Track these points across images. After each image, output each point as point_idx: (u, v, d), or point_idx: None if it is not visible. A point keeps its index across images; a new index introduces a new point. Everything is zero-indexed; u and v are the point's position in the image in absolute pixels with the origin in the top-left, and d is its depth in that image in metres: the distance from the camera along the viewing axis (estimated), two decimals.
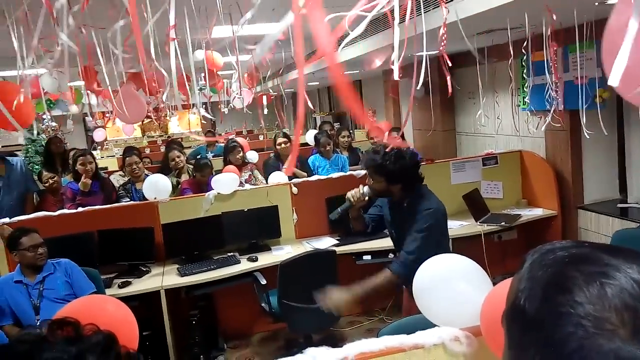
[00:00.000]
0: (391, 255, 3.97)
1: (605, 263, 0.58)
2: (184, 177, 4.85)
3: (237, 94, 5.08)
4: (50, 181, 4.74)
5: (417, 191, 2.61)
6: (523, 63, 4.71)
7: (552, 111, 3.28)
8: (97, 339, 0.62)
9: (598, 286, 0.55)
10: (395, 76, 1.65)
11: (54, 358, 0.57)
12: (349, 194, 2.69)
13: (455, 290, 1.60)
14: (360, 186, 2.69)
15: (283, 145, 5.32)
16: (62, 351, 0.58)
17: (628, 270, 0.56)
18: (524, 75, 4.82)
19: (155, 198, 4.15)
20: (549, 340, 0.56)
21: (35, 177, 5.17)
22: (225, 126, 14.99)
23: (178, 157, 5.00)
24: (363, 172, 4.56)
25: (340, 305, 2.58)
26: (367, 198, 2.66)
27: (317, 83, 12.07)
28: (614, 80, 1.04)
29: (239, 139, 7.06)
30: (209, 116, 4.09)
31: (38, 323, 2.86)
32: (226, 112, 6.68)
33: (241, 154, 5.09)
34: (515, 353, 0.62)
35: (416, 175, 2.61)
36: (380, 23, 4.24)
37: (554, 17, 2.45)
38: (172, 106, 5.54)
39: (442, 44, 2.01)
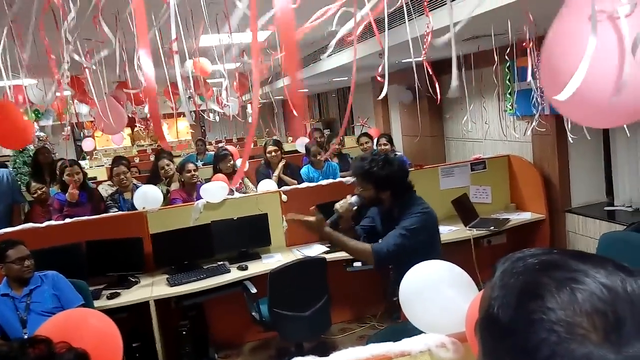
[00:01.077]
0: None
1: (574, 269, 0.58)
2: (174, 186, 4.83)
3: (224, 102, 5.08)
4: (39, 192, 4.71)
5: (407, 199, 2.58)
6: (508, 69, 4.76)
7: (537, 116, 3.32)
8: (68, 358, 0.61)
9: (569, 291, 0.56)
10: (383, 94, 1.67)
11: None
12: (337, 205, 2.65)
13: (441, 296, 1.61)
14: (348, 196, 2.65)
15: (273, 153, 5.31)
16: None
17: (596, 275, 0.57)
18: (509, 80, 4.87)
19: (144, 208, 4.13)
20: (523, 347, 0.56)
21: (24, 188, 5.13)
22: (215, 134, 14.97)
23: (168, 165, 4.97)
24: (352, 179, 4.57)
25: (313, 224, 2.55)
26: (355, 208, 2.60)
27: (307, 90, 12.09)
28: (564, 95, 1.06)
29: (229, 147, 7.06)
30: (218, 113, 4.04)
31: (26, 337, 2.83)
32: (217, 120, 6.67)
33: (232, 162, 5.08)
34: (490, 354, 0.62)
35: (405, 182, 2.59)
36: (367, 31, 4.27)
37: (535, 24, 2.49)
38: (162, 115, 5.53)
39: (424, 51, 2.02)
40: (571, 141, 2.43)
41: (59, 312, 2.83)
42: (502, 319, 0.60)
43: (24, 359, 0.60)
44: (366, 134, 6.05)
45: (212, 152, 9.26)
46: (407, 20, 2.73)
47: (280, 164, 5.22)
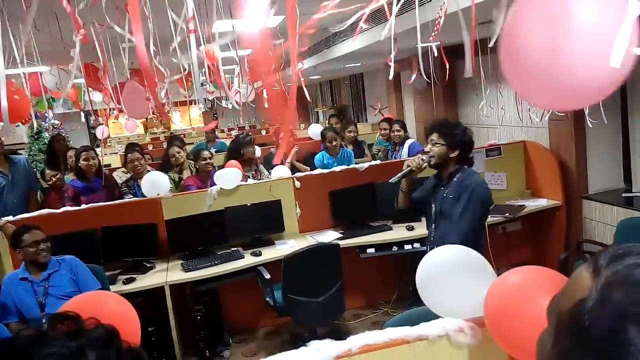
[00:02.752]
0: (408, 247, 4.00)
1: None
2: (186, 174, 4.84)
3: (237, 89, 5.06)
4: (54, 179, 4.76)
5: (466, 168, 2.84)
6: None
7: None
8: (98, 333, 0.61)
9: None
10: (391, 75, 1.65)
11: (53, 353, 0.57)
12: (409, 161, 2.87)
13: (458, 281, 1.59)
14: (419, 154, 2.89)
15: None
16: (62, 346, 0.58)
17: None
18: None
19: (158, 194, 4.15)
20: None
21: (39, 175, 5.18)
22: (227, 122, 15.00)
23: (178, 153, 4.98)
24: (366, 165, 4.56)
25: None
26: (425, 165, 2.83)
27: (319, 77, 12.04)
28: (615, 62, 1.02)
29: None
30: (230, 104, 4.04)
31: (43, 320, 2.87)
32: (230, 107, 6.67)
33: (254, 147, 5.07)
34: (563, 357, 0.58)
35: (469, 153, 2.86)
36: (380, 16, 4.22)
37: None
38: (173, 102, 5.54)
39: (433, 34, 1.99)
40: (590, 126, 2.39)
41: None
42: (592, 335, 0.53)
43: (54, 333, 0.60)
44: (387, 120, 6.02)
45: (222, 140, 9.28)
46: (417, 4, 2.69)
47: (293, 150, 5.20)
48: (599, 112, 3.09)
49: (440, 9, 2.01)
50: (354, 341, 1.42)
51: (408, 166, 2.83)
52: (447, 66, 2.52)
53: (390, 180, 2.92)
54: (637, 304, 0.51)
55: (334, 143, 5.17)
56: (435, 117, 2.97)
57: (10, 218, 3.78)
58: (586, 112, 2.49)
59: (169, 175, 4.82)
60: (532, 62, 1.13)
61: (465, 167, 2.83)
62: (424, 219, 3.26)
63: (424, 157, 2.83)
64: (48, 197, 4.83)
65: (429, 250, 2.83)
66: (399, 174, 2.86)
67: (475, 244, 2.29)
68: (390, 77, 1.72)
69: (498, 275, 1.59)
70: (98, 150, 5.12)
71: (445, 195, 2.82)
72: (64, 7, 1.71)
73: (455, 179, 2.79)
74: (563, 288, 0.64)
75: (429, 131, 2.89)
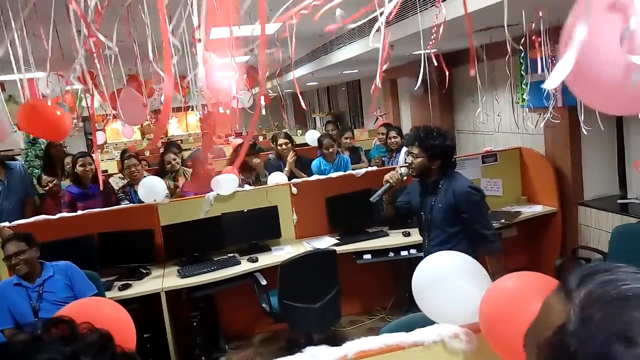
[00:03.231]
0: (404, 253, 4.00)
1: None
2: (181, 180, 4.83)
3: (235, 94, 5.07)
4: (50, 185, 4.75)
5: (451, 173, 2.82)
6: (521, 60, 4.71)
7: (551, 108, 3.28)
8: (92, 338, 0.61)
9: None
10: (378, 83, 1.66)
11: (48, 358, 0.57)
12: (387, 177, 2.86)
13: (454, 287, 1.60)
14: (397, 167, 2.89)
15: (284, 146, 5.31)
16: (56, 351, 0.58)
17: None
18: (522, 72, 4.82)
19: (154, 200, 4.15)
20: None
21: (35, 181, 5.17)
22: (224, 128, 14.97)
23: (174, 159, 4.95)
24: (363, 171, 4.57)
25: None
26: (405, 178, 2.84)
27: (316, 83, 12.07)
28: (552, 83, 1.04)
29: (238, 140, 7.07)
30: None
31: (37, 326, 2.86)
32: (227, 113, 6.68)
33: (258, 157, 5.10)
34: None
35: (452, 158, 2.84)
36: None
37: (549, 13, 2.45)
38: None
39: (430, 42, 2.00)
40: (585, 133, 2.40)
41: (71, 301, 2.88)
42: (577, 358, 0.52)
43: (48, 338, 0.60)
44: (385, 125, 6.05)
45: (219, 146, 9.26)
46: (418, 11, 2.71)
47: (292, 157, 5.20)
48: (594, 119, 3.11)
49: (437, 17, 2.02)
50: (350, 347, 1.42)
51: (387, 182, 2.85)
52: (447, 73, 2.53)
53: (371, 199, 2.92)
54: (619, 321, 0.51)
55: (330, 150, 5.18)
56: (425, 125, 2.96)
57: (7, 224, 3.77)
58: (581, 119, 2.50)
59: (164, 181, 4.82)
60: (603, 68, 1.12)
61: (449, 171, 2.84)
62: None
63: (402, 170, 2.85)
64: (44, 203, 4.82)
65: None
66: (379, 191, 2.87)
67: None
68: (378, 84, 1.73)
69: (493, 281, 1.60)
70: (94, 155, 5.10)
71: (433, 204, 2.82)
72: (79, 16, 1.71)
73: (441, 186, 2.80)
74: (536, 318, 0.63)
75: (409, 142, 2.89)
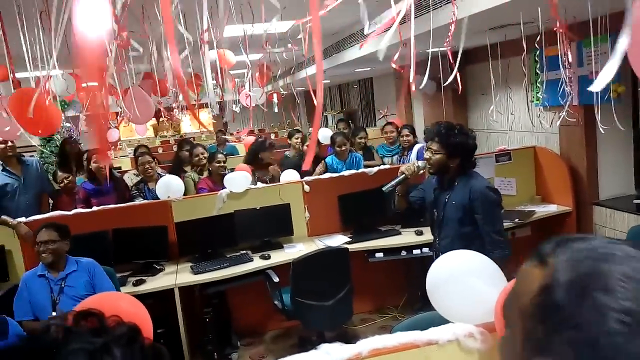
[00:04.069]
0: (417, 251, 3.98)
1: None
2: (206, 174, 4.90)
3: (246, 92, 5.09)
4: (65, 181, 4.80)
5: (469, 172, 2.75)
6: (536, 58, 4.66)
7: (566, 106, 3.25)
8: (121, 331, 0.62)
9: (636, 289, 0.54)
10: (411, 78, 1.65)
11: (80, 349, 0.58)
12: (403, 168, 2.82)
13: (469, 286, 1.59)
14: (415, 161, 2.85)
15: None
16: (88, 342, 0.59)
17: None
18: (537, 70, 4.78)
19: (168, 197, 4.18)
20: (589, 340, 0.54)
21: (50, 177, 5.23)
22: (237, 125, 15.05)
23: (202, 154, 5.10)
24: (375, 169, 4.56)
25: None
26: (421, 172, 2.79)
27: (328, 81, 12.06)
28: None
29: (250, 138, 7.09)
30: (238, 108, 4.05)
31: (55, 314, 2.89)
32: (238, 111, 6.71)
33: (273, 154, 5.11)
34: (538, 341, 0.59)
35: (472, 157, 2.76)
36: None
37: (565, 11, 2.43)
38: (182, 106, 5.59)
39: (447, 40, 1.99)
40: (602, 132, 2.37)
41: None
42: (565, 311, 0.57)
43: (79, 329, 0.61)
44: (391, 124, 6.01)
45: (232, 143, 9.33)
46: (430, 9, 2.69)
47: (320, 169, 5.15)
48: (611, 118, 3.08)
49: (453, 14, 2.01)
50: (364, 345, 1.42)
51: (403, 173, 2.80)
52: (458, 74, 2.51)
53: (383, 189, 2.88)
54: (600, 274, 0.56)
55: (343, 148, 5.17)
56: (448, 121, 2.89)
57: (23, 219, 3.83)
58: (598, 117, 2.47)
59: (188, 175, 4.90)
60: None
61: (468, 170, 2.77)
62: None
63: (420, 164, 2.79)
64: (59, 199, 4.88)
65: (435, 256, 2.83)
66: (393, 182, 2.83)
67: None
68: (412, 87, 1.71)
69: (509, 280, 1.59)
70: (109, 153, 5.17)
71: (447, 200, 2.77)
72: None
73: (457, 184, 2.74)
74: (512, 289, 0.67)
75: (429, 137, 2.80)
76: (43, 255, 2.98)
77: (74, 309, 0.67)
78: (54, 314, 2.89)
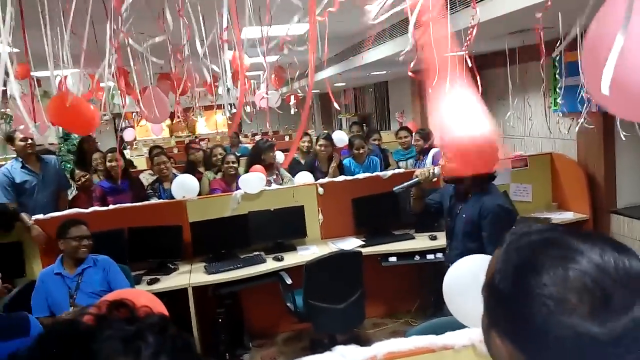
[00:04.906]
0: (430, 256, 3.96)
1: (571, 248, 0.65)
2: (219, 175, 4.95)
3: (263, 93, 5.11)
4: (82, 179, 4.86)
5: (485, 185, 2.63)
6: (556, 64, 4.62)
7: (585, 112, 3.21)
8: (152, 320, 0.64)
9: (562, 269, 0.63)
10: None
11: (114, 335, 0.59)
12: (418, 172, 2.79)
13: None
14: (432, 167, 2.80)
15: (323, 148, 5.23)
16: (122, 329, 0.60)
17: (591, 254, 0.63)
18: (557, 76, 4.73)
19: (183, 197, 4.21)
20: (518, 316, 0.65)
21: (68, 176, 5.30)
22: (251, 126, 15.12)
23: (221, 154, 5.19)
24: (390, 172, 4.54)
25: None
26: (434, 179, 2.74)
27: (344, 84, 12.07)
28: (604, 89, 1.03)
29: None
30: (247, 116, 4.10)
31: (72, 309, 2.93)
32: (254, 113, 6.75)
33: (274, 152, 5.14)
34: (490, 321, 0.72)
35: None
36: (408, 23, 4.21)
37: (585, 17, 2.40)
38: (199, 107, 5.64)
39: (466, 44, 1.98)
40: (623, 139, 2.34)
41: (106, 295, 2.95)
42: (502, 290, 0.68)
43: (112, 318, 0.62)
44: (405, 128, 6.00)
45: (246, 145, 9.37)
46: (448, 13, 2.68)
47: (334, 165, 5.14)
48: (630, 124, 3.04)
49: (472, 18, 2.00)
50: (379, 348, 1.42)
51: (416, 177, 2.76)
52: (478, 77, 2.49)
53: (394, 189, 2.85)
54: (530, 258, 0.66)
55: (361, 150, 5.17)
56: None
57: (41, 216, 3.88)
58: (617, 124, 2.44)
59: (205, 175, 4.96)
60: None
61: (484, 183, 2.61)
62: None
63: (436, 170, 2.73)
64: (76, 197, 4.94)
65: (447, 264, 2.79)
66: (405, 184, 2.80)
67: None
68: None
69: None
70: (125, 152, 5.24)
71: (458, 212, 2.68)
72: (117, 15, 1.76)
73: (470, 196, 2.61)
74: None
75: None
76: (83, 249, 3.05)
77: (105, 299, 0.68)
78: (71, 309, 2.93)
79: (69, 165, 7.12)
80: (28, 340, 2.18)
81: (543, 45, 3.12)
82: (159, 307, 1.49)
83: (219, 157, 5.18)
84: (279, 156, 5.95)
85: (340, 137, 6.31)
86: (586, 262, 0.63)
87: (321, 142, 5.28)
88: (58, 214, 3.98)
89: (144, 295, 1.60)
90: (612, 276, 0.62)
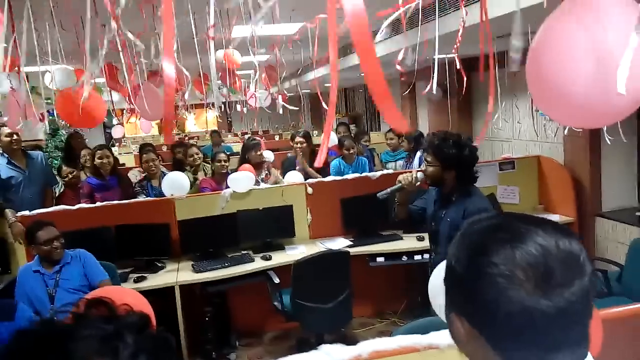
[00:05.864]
0: (418, 257, 3.97)
1: (518, 231, 0.71)
2: (201, 175, 4.90)
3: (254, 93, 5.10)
4: (70, 176, 4.82)
5: (468, 188, 2.62)
6: None
7: None
8: (132, 319, 0.63)
9: (509, 249, 0.69)
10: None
11: (92, 335, 0.59)
12: (401, 177, 2.75)
13: None
14: (414, 171, 2.77)
15: (299, 145, 5.22)
16: (99, 328, 0.60)
17: (535, 235, 0.70)
18: None
19: (172, 195, 4.19)
20: (473, 293, 0.71)
21: (55, 172, 5.26)
22: (242, 126, 15.10)
23: (197, 154, 5.10)
24: (379, 173, 4.56)
25: None
26: (418, 183, 2.71)
27: None
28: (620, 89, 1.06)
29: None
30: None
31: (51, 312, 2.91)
32: (245, 112, 6.74)
33: (260, 151, 5.12)
34: (449, 304, 0.79)
35: (471, 170, 2.61)
36: (398, 24, 4.23)
37: None
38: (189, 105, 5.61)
39: (455, 46, 2.00)
40: (608, 142, 2.37)
41: (86, 291, 2.93)
42: (458, 272, 0.74)
43: (89, 317, 0.62)
44: (393, 130, 6.03)
45: (228, 144, 9.34)
46: (437, 16, 2.70)
47: (302, 156, 5.13)
48: (615, 130, 3.08)
49: (463, 20, 2.02)
50: (365, 347, 1.43)
51: (399, 182, 2.74)
52: (465, 79, 2.51)
53: (378, 195, 2.81)
54: (480, 242, 0.73)
55: (351, 151, 5.19)
56: (444, 131, 2.81)
57: (27, 213, 3.85)
58: (604, 129, 2.48)
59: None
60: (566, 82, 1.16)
61: (467, 187, 2.63)
62: None
63: (418, 175, 2.71)
64: (63, 194, 4.90)
65: (431, 269, 2.79)
66: (389, 189, 2.76)
67: None
68: (428, 90, 1.72)
69: None
70: (114, 149, 5.20)
71: (443, 216, 2.67)
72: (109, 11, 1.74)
73: (454, 200, 2.62)
74: None
75: (424, 148, 2.71)
76: (56, 252, 3.01)
77: (85, 298, 0.68)
78: (52, 307, 2.91)
79: (56, 162, 7.05)
80: (12, 325, 2.17)
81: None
82: (144, 306, 1.48)
83: (196, 157, 5.12)
84: (269, 155, 5.94)
85: (330, 137, 6.32)
86: (530, 241, 0.69)
87: (297, 139, 5.23)
88: (44, 210, 3.95)
89: (128, 294, 1.59)
90: (553, 255, 0.68)
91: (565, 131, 3.05)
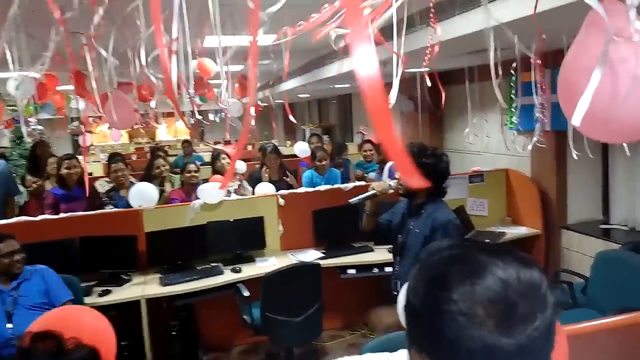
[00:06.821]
0: (389, 269, 3.96)
1: (479, 264, 0.68)
2: (167, 187, 4.78)
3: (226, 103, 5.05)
4: (34, 185, 4.68)
5: (439, 201, 2.68)
6: (512, 83, 4.76)
7: (538, 131, 3.31)
8: (80, 354, 0.60)
9: (469, 285, 0.66)
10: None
11: None
12: (374, 184, 2.76)
13: None
14: (387, 180, 2.79)
15: (273, 161, 5.19)
16: None
17: (494, 269, 0.67)
18: (512, 95, 4.88)
19: (140, 205, 4.10)
20: (432, 330, 0.68)
21: (19, 181, 5.10)
22: (214, 135, 14.96)
23: (164, 166, 4.95)
24: (351, 185, 4.57)
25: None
26: (391, 191, 2.72)
27: (308, 95, 12.11)
28: (575, 121, 1.08)
29: (227, 149, 7.03)
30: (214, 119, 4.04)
31: (10, 332, 2.76)
32: (217, 121, 6.67)
33: (227, 160, 5.06)
34: (411, 335, 0.75)
35: (442, 182, 2.67)
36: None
37: (544, 36, 2.49)
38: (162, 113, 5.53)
39: (426, 62, 2.02)
40: (575, 158, 2.42)
41: (47, 308, 2.81)
42: (415, 306, 0.71)
43: (34, 353, 0.58)
44: (369, 141, 6.08)
45: (199, 154, 9.23)
46: (403, 32, 2.73)
47: (265, 174, 5.10)
48: (581, 144, 3.15)
49: (431, 38, 2.04)
50: None
51: (373, 189, 2.74)
52: (443, 94, 2.54)
53: (350, 201, 2.82)
54: (439, 276, 0.70)
55: (324, 162, 5.19)
56: (421, 142, 2.85)
57: None
58: (571, 144, 2.53)
59: None
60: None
61: (437, 199, 2.68)
62: None
63: (392, 183, 2.72)
64: (27, 204, 4.75)
65: (393, 284, 2.80)
66: (362, 196, 2.77)
67: None
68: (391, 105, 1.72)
69: None
70: (80, 157, 5.06)
71: (411, 227, 2.69)
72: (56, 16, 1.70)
73: (423, 212, 2.65)
74: None
75: None
76: (17, 265, 2.86)
77: (31, 325, 0.64)
78: (9, 326, 2.76)
79: (21, 170, 6.84)
80: None
81: (500, 66, 3.21)
82: (104, 324, 1.43)
83: (162, 169, 4.93)
84: (242, 166, 5.87)
85: (303, 148, 6.31)
86: (491, 276, 0.66)
87: (269, 156, 5.19)
88: (5, 221, 3.81)
89: (87, 313, 1.53)
90: (514, 288, 0.66)
91: (530, 145, 3.11)
